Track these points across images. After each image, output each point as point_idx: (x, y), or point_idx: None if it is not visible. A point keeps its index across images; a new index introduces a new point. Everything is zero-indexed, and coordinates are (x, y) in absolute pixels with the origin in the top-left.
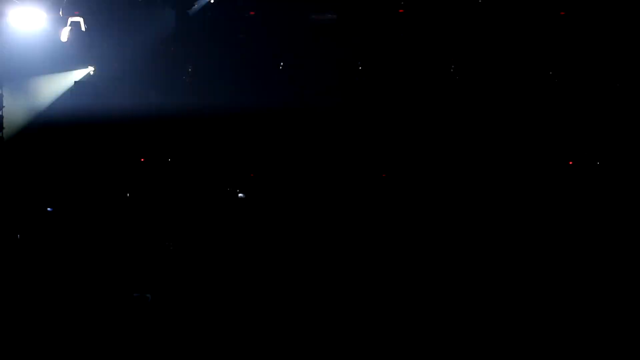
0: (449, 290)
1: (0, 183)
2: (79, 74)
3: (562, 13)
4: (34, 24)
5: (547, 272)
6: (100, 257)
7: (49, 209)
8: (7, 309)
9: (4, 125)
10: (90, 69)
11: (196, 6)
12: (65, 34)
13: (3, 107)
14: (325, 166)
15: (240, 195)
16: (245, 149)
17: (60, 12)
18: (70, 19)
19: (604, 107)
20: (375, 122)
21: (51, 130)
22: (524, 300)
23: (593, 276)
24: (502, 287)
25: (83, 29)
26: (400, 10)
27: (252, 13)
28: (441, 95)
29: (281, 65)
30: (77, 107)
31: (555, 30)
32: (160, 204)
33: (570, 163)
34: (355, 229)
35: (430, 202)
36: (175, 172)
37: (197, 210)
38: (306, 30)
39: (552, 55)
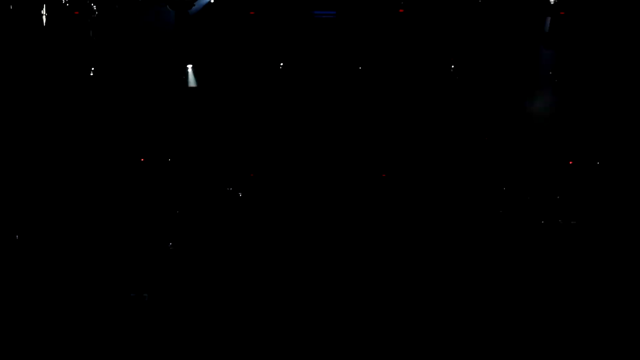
0: (449, 291)
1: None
2: None
3: (562, 13)
4: None
5: (547, 272)
6: (99, 257)
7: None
8: (6, 308)
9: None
10: None
11: (196, 6)
12: None
13: None
14: (325, 166)
15: (239, 194)
16: (245, 149)
17: None
18: None
19: (604, 107)
20: (375, 122)
21: (50, 128)
22: (524, 301)
23: (593, 276)
24: (502, 287)
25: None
26: (401, 10)
27: (252, 13)
28: (441, 95)
29: (281, 66)
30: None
31: (555, 30)
32: (160, 203)
33: (571, 163)
34: (354, 228)
35: (430, 202)
36: (175, 172)
37: (197, 210)
38: (306, 29)
39: (552, 55)
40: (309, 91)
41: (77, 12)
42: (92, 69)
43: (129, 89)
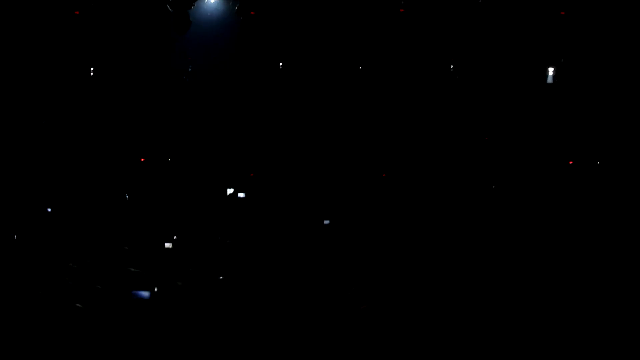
0: (448, 291)
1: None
2: None
3: (562, 13)
4: None
5: (547, 272)
6: (100, 256)
7: (48, 209)
8: (6, 309)
9: None
10: None
11: (195, 6)
12: None
13: None
14: (325, 166)
15: (240, 194)
16: (246, 149)
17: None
18: None
19: (604, 107)
20: (375, 122)
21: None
22: (523, 301)
23: (593, 276)
24: (501, 287)
25: None
26: (401, 10)
27: (252, 13)
28: (441, 95)
29: (281, 66)
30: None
31: (556, 30)
32: (160, 203)
33: (571, 163)
34: (354, 228)
35: (430, 202)
36: (175, 172)
37: (197, 209)
38: (307, 30)
39: (552, 55)
40: (309, 91)
41: (77, 12)
42: (92, 68)
43: (129, 89)
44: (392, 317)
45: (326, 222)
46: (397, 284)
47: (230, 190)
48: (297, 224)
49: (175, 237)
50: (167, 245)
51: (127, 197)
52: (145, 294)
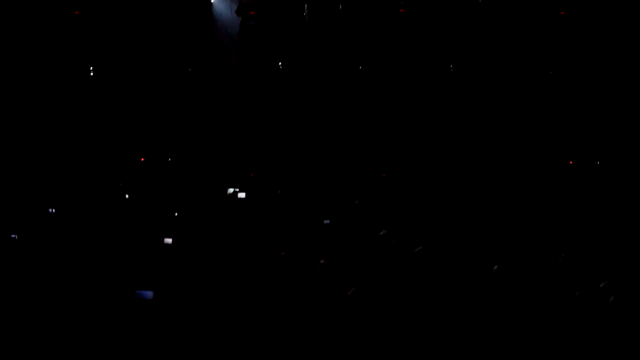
0: (448, 291)
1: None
2: None
3: (562, 13)
4: None
5: (547, 272)
6: (101, 256)
7: (50, 209)
8: (7, 308)
9: None
10: None
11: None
12: None
13: None
14: (326, 166)
15: (240, 194)
16: (245, 148)
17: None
18: None
19: (604, 107)
20: (375, 121)
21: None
22: (523, 301)
23: (593, 276)
24: (501, 287)
25: None
26: (401, 10)
27: (252, 13)
28: (441, 95)
29: (280, 65)
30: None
31: (555, 30)
32: (160, 203)
33: (571, 163)
34: (354, 228)
35: (430, 202)
36: (175, 172)
37: (197, 209)
38: (306, 29)
39: (552, 56)
40: (309, 91)
41: (77, 12)
42: (92, 68)
43: (129, 89)
44: (392, 318)
45: (326, 221)
46: (397, 284)
47: (230, 190)
48: (296, 224)
49: (175, 235)
50: (167, 240)
51: (127, 196)
52: (149, 293)
